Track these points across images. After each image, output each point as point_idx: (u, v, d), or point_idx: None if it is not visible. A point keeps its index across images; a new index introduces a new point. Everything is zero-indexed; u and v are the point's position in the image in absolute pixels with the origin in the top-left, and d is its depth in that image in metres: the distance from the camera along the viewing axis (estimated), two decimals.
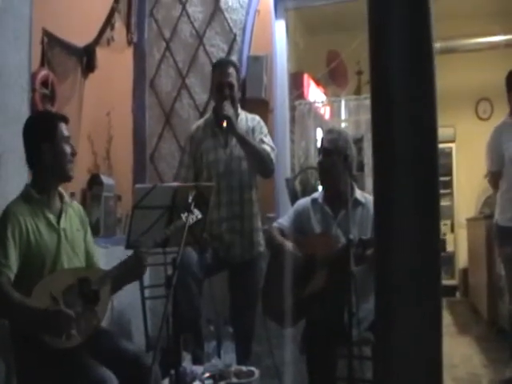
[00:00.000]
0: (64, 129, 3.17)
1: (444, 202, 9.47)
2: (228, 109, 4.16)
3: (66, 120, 3.22)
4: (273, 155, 4.26)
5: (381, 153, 1.16)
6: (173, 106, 5.73)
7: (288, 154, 5.80)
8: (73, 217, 3.24)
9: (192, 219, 3.25)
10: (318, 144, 4.17)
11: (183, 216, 3.22)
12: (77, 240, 3.20)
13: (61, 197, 3.21)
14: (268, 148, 4.25)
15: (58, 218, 3.13)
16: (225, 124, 4.10)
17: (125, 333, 4.54)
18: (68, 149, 3.15)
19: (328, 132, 4.08)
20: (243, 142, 4.18)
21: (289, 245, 3.84)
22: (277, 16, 5.67)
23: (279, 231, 4.01)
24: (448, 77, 4.82)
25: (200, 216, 3.32)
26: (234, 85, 4.28)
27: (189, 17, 5.73)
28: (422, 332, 1.20)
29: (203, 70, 5.61)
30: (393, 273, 1.17)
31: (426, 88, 1.21)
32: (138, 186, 3.72)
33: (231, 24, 5.59)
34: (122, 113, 5.55)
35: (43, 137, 3.11)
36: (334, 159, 3.85)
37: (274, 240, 3.96)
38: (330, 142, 3.90)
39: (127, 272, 3.13)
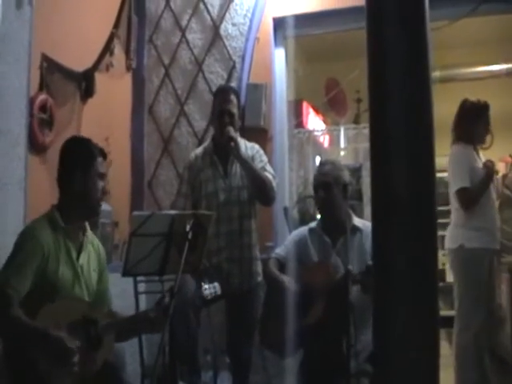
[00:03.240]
0: (100, 164, 3.15)
1: (443, 232, 9.44)
2: (232, 132, 4.18)
3: (104, 156, 3.21)
4: (274, 183, 4.27)
5: (379, 185, 1.17)
6: (171, 132, 5.79)
7: (287, 183, 5.82)
8: (92, 255, 3.21)
9: (211, 294, 3.27)
10: (314, 173, 4.18)
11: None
12: (92, 279, 3.17)
13: (84, 230, 3.19)
14: (270, 176, 4.26)
15: (78, 252, 3.10)
16: (232, 144, 4.10)
17: (120, 361, 4.50)
18: (100, 185, 3.13)
19: (322, 164, 4.13)
20: (247, 166, 4.18)
21: (286, 280, 3.84)
22: (276, 44, 5.76)
23: (277, 262, 4.01)
24: (447, 106, 4.83)
25: (219, 292, 3.34)
26: (234, 113, 4.29)
27: (188, 43, 5.81)
28: (419, 363, 1.21)
29: (202, 97, 5.69)
30: (390, 303, 1.18)
31: (424, 118, 1.23)
32: (135, 213, 3.72)
33: (231, 51, 5.67)
34: (120, 139, 5.58)
35: (79, 163, 3.10)
36: (332, 190, 3.89)
37: (272, 275, 3.97)
38: (326, 174, 3.94)
39: (141, 325, 3.11)
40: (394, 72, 1.22)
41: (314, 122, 8.01)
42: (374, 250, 1.26)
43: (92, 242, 3.25)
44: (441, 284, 9.09)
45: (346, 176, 3.97)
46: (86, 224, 3.22)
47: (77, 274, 3.05)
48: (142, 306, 4.33)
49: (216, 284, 3.38)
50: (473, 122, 4.84)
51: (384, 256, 1.24)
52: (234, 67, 5.65)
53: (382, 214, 1.23)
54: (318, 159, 6.77)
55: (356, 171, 5.83)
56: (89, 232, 3.23)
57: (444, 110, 4.91)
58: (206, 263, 4.04)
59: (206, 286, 3.32)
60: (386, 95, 1.23)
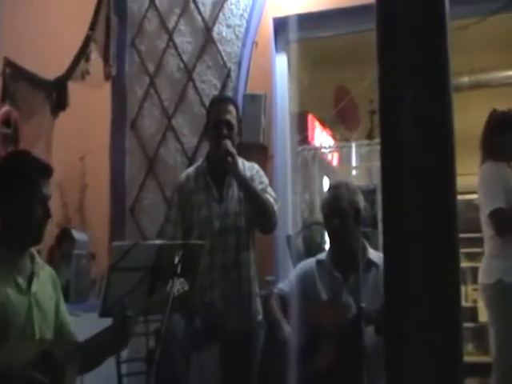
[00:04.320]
0: (41, 184, 3.11)
1: (475, 263, 9.40)
2: (230, 146, 4.20)
3: (47, 172, 3.16)
4: (276, 207, 4.29)
5: (391, 212, 1.18)
6: (157, 150, 5.80)
7: (290, 208, 5.81)
8: (45, 282, 3.24)
9: (178, 290, 3.27)
10: (324, 198, 4.19)
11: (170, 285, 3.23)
12: (48, 308, 3.20)
13: (32, 258, 3.21)
14: (271, 199, 4.28)
15: (29, 281, 3.12)
16: (229, 159, 4.13)
17: None
18: (39, 210, 3.11)
19: (334, 187, 4.17)
20: (245, 186, 4.21)
21: (286, 328, 3.86)
22: (277, 49, 5.80)
23: (279, 299, 4.03)
24: (477, 115, 4.85)
25: (186, 287, 3.34)
26: (233, 125, 4.31)
27: (176, 48, 5.85)
28: None
29: (192, 110, 5.72)
30: (405, 348, 1.19)
31: (443, 132, 1.24)
32: (115, 243, 3.75)
33: (225, 57, 5.70)
34: (98, 158, 5.61)
35: (12, 184, 3.10)
36: (347, 218, 3.92)
37: (272, 315, 3.98)
38: (340, 199, 3.97)
39: (105, 345, 3.13)
40: (408, 79, 1.24)
41: (321, 137, 8.10)
42: (386, 286, 1.27)
43: (44, 269, 3.28)
44: (471, 325, 9.13)
45: (360, 200, 4.00)
46: (34, 251, 3.24)
47: (31, 305, 3.07)
48: (124, 352, 4.33)
49: (182, 280, 3.37)
50: (504, 136, 4.82)
51: (397, 293, 1.26)
52: (228, 75, 5.67)
53: (394, 244, 1.25)
54: (325, 180, 6.79)
55: (370, 194, 5.84)
56: (38, 259, 3.24)
57: (474, 119, 4.91)
58: (198, 300, 4.06)
59: (176, 282, 3.31)
60: (398, 106, 1.25)
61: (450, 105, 1.26)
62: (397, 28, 1.27)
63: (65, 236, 4.75)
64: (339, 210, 3.94)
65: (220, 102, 4.50)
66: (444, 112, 1.24)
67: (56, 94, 4.98)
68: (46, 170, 3.16)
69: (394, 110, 1.25)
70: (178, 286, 3.35)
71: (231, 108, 4.39)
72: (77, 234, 4.81)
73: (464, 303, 9.84)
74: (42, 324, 3.11)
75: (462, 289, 10.03)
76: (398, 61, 1.25)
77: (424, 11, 1.26)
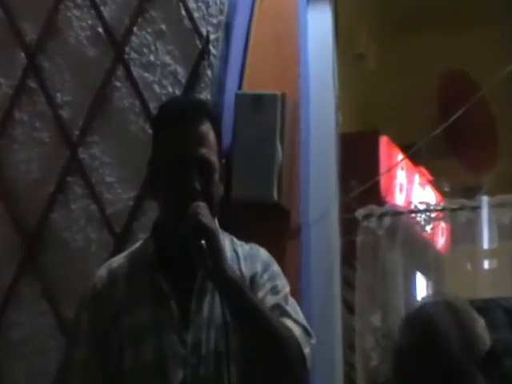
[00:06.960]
0: None
1: None
2: (205, 213, 3.95)
3: None
4: (307, 344, 4.06)
5: None
6: (45, 217, 5.73)
7: (339, 341, 5.79)
8: None
9: None
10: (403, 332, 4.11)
11: None
12: None
13: None
14: (295, 326, 4.07)
15: None
16: (202, 243, 3.86)
17: None
18: None
19: (424, 308, 4.05)
20: (241, 301, 3.96)
21: None
22: None
23: None
24: None
25: None
26: (213, 165, 4.10)
27: None
28: None
29: (125, 128, 5.66)
30: None
31: None
32: None
33: (196, 14, 5.64)
34: None
35: None
36: (451, 372, 3.82)
37: None
38: (433, 332, 3.87)
39: None
40: None
41: (410, 187, 7.94)
42: None
43: None
44: None
45: (487, 340, 3.87)
46: None
47: None
48: None
49: None
50: None
51: None
52: (204, 54, 5.60)
53: None
54: (419, 281, 6.65)
55: None
56: None
57: None
58: None
59: None
60: None
61: None
62: None
63: None
64: (440, 360, 3.86)
65: (182, 117, 4.27)
66: None
67: None
68: None
69: None
70: None
71: (206, 127, 4.18)
72: None
73: None
74: None
75: None
76: None
77: None
